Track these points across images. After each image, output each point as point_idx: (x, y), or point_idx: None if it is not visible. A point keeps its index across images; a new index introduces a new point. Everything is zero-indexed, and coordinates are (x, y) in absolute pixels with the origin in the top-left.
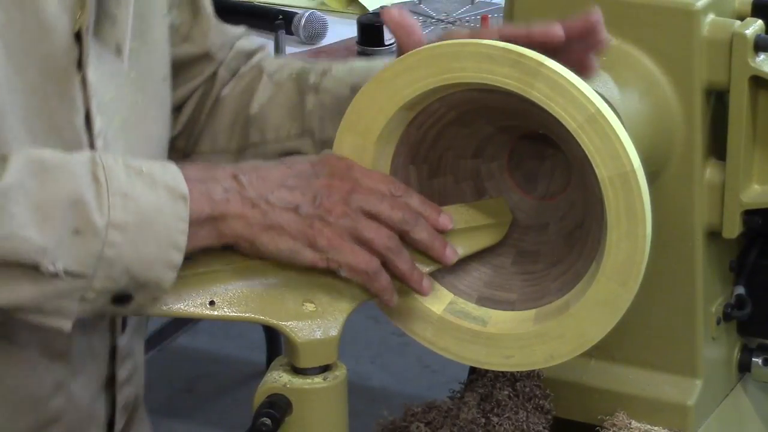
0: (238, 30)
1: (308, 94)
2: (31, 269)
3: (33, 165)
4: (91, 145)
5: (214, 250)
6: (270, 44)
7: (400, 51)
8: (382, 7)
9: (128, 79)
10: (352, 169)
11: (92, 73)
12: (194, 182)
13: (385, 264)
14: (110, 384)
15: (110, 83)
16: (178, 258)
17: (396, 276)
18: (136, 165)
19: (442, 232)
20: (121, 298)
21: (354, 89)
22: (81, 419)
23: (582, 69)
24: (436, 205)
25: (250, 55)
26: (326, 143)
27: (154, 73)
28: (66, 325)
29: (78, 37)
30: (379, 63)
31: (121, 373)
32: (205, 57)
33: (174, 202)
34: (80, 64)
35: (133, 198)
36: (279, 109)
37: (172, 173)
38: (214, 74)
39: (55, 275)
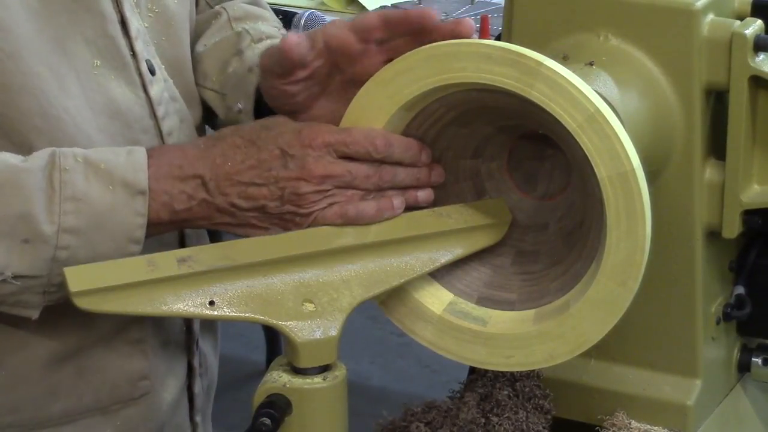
0: None
1: (234, 56)
2: None
3: None
4: (131, 49)
5: (214, 250)
6: None
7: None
8: (381, 7)
9: None
10: (328, 143)
11: None
12: (157, 185)
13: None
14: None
15: None
16: (137, 249)
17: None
18: (96, 161)
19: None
20: None
21: (252, 70)
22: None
23: None
24: (419, 146)
25: None
26: (230, 109)
27: None
28: (32, 314)
29: None
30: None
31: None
32: None
33: (131, 198)
34: None
35: (87, 201)
36: (213, 58)
37: (134, 167)
38: None
39: (4, 281)
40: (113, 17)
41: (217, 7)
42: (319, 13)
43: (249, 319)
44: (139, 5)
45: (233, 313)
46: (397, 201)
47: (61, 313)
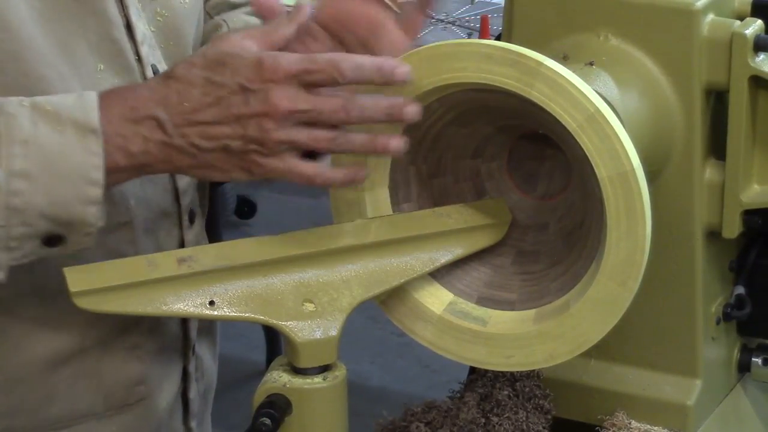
0: None
1: None
2: None
3: None
4: (137, 54)
5: (213, 250)
6: None
7: None
8: None
9: None
10: (290, 74)
11: None
12: (110, 126)
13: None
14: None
15: None
16: (96, 192)
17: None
18: (43, 104)
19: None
20: (53, 240)
21: None
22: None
23: (411, 29)
24: (392, 64)
25: (233, 7)
26: None
27: None
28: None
29: None
30: None
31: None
32: None
33: (83, 138)
34: None
35: (36, 143)
36: None
37: (84, 107)
38: None
39: None
40: (119, 21)
41: (217, 18)
42: None
43: (249, 319)
44: (146, 9)
45: (233, 313)
46: (360, 174)
47: (57, 317)
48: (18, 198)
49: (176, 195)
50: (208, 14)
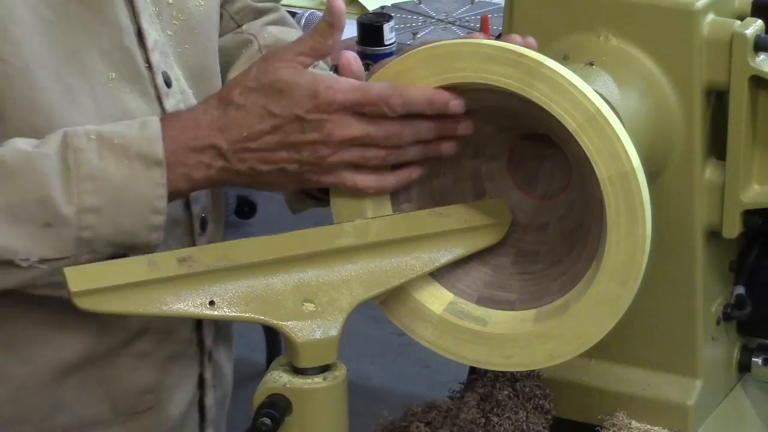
0: None
1: None
2: (8, 264)
3: None
4: (147, 61)
5: (214, 250)
6: None
7: None
8: (382, 7)
9: None
10: (343, 106)
11: None
12: (174, 157)
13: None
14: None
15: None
16: (160, 219)
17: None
18: (110, 137)
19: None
20: (116, 257)
21: None
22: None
23: None
24: (445, 97)
25: (259, 13)
26: None
27: None
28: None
29: None
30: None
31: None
32: None
33: (149, 170)
34: None
35: (104, 178)
36: None
37: (148, 138)
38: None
39: (32, 267)
40: (129, 28)
41: (247, 34)
42: (319, 13)
43: (249, 319)
44: (162, 14)
45: (233, 313)
46: (415, 173)
47: (67, 327)
48: (88, 231)
49: (187, 202)
50: (233, 20)
